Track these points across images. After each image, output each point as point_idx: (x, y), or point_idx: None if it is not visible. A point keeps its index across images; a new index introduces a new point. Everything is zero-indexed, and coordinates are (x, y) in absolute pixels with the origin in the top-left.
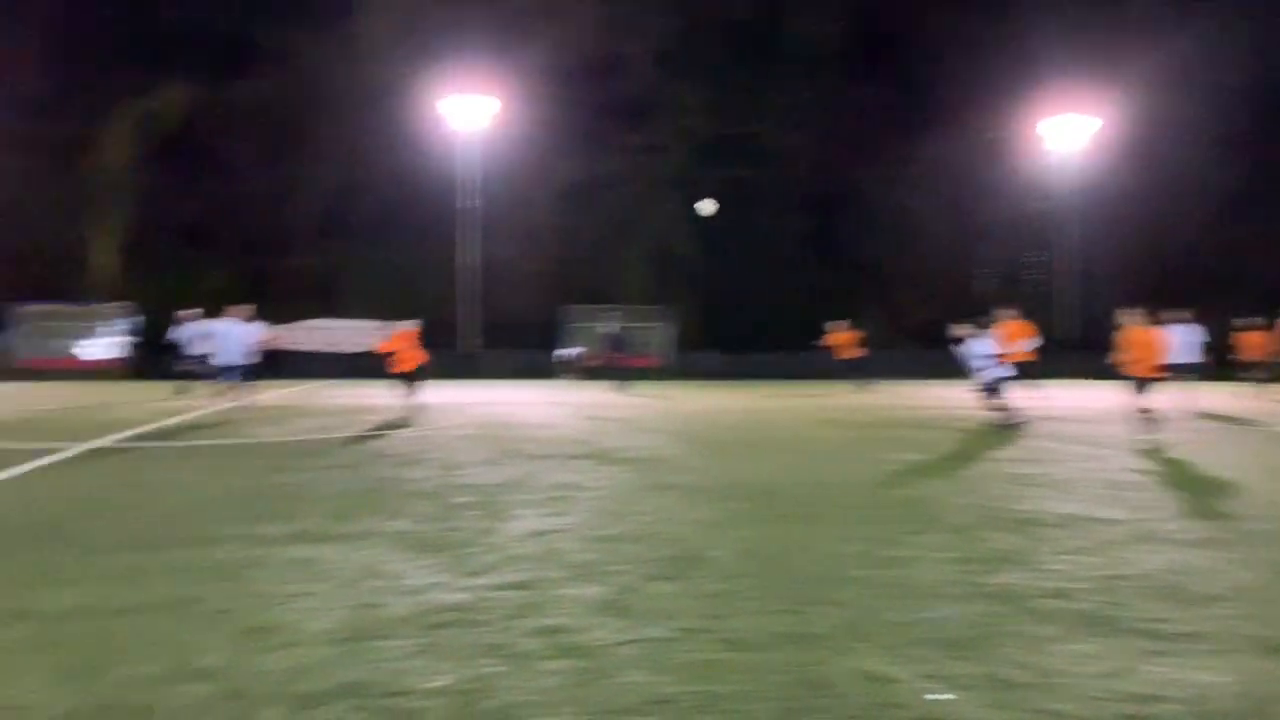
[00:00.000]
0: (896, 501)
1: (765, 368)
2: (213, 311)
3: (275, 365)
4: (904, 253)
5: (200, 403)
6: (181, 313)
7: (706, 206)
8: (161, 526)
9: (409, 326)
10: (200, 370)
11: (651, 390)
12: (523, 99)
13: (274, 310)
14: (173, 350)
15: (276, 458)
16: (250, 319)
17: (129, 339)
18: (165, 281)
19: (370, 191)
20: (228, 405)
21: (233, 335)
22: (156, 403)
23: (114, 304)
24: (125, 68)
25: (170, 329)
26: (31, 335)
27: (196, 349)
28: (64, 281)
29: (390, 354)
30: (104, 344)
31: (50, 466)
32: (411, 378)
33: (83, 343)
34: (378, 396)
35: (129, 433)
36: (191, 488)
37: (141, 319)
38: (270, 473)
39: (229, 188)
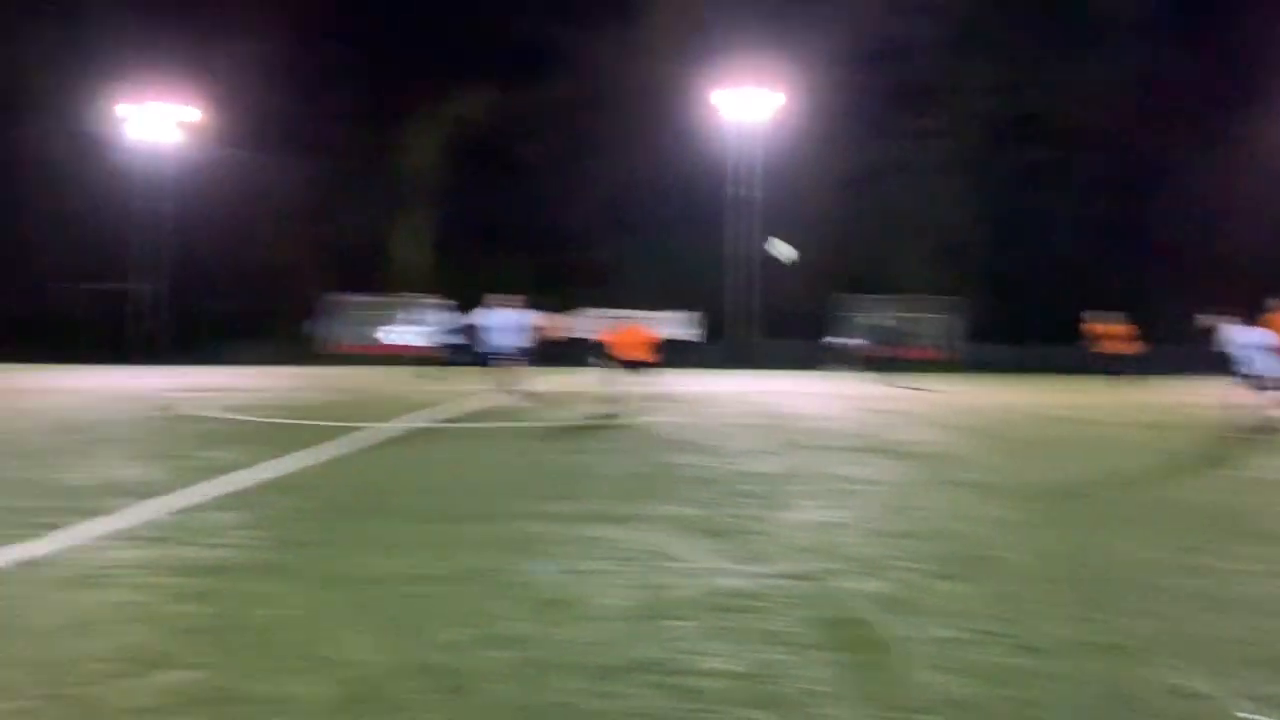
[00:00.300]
0: (1199, 506)
1: (1060, 360)
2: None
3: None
4: (1216, 239)
5: (487, 389)
6: (489, 297)
7: (783, 250)
8: (463, 502)
9: (639, 321)
10: (473, 358)
11: (935, 383)
12: (803, 87)
13: (566, 302)
14: (462, 336)
15: (562, 440)
16: (521, 307)
17: (435, 328)
18: (468, 274)
19: (649, 185)
20: (513, 391)
21: (505, 323)
22: (458, 387)
23: (421, 295)
24: (431, 76)
25: (451, 318)
26: (345, 323)
27: (468, 338)
28: (373, 275)
29: (615, 344)
30: (412, 332)
31: (362, 445)
32: (636, 366)
33: (391, 330)
34: (654, 385)
35: (432, 415)
36: (488, 467)
37: (446, 309)
38: (557, 455)
39: (525, 185)
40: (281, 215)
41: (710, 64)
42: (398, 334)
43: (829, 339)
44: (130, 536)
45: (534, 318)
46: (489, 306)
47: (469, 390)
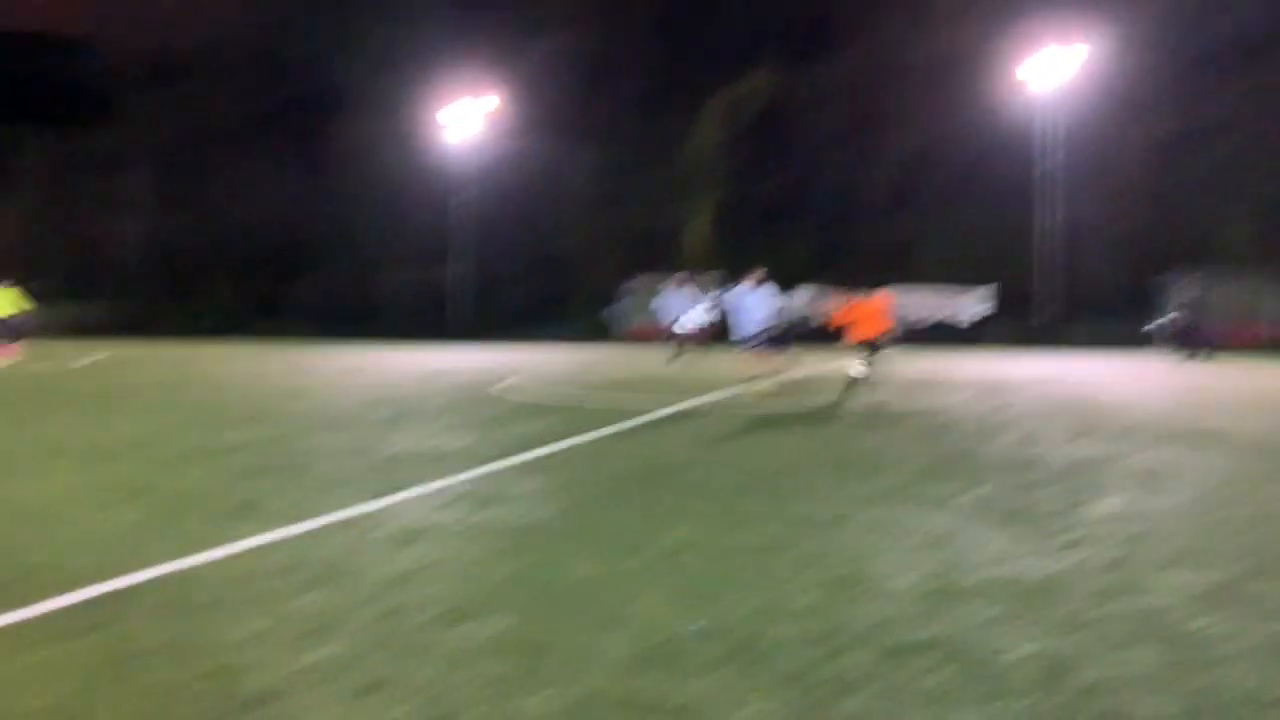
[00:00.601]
0: None
1: None
2: (787, 283)
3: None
4: None
5: (775, 369)
6: (676, 275)
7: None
8: (752, 478)
9: (874, 296)
10: (684, 337)
11: (1268, 365)
12: (1110, 49)
13: (850, 279)
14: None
15: (851, 423)
16: (761, 283)
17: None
18: (750, 255)
19: (943, 159)
20: (787, 372)
21: (755, 303)
22: (744, 368)
23: (708, 276)
24: (716, 61)
25: (704, 297)
26: (639, 306)
27: (686, 316)
28: (662, 258)
29: (848, 324)
30: (699, 314)
31: (655, 421)
32: (873, 347)
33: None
34: (948, 369)
35: (719, 394)
36: (776, 447)
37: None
38: (846, 437)
39: (808, 164)
40: (579, 201)
41: (1009, 27)
42: (685, 316)
43: (1153, 320)
44: (444, 499)
45: (806, 298)
46: (746, 285)
47: (759, 372)
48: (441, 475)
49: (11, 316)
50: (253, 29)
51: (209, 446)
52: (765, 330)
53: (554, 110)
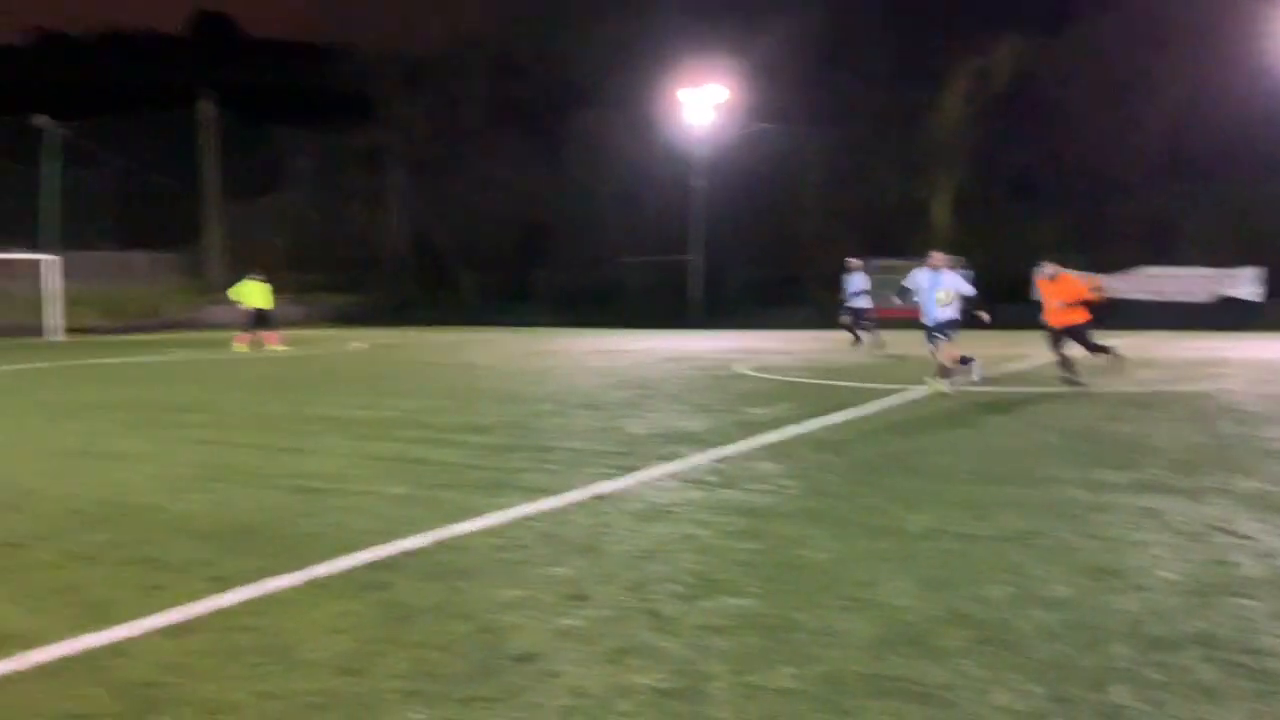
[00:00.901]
0: None
1: None
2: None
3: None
4: None
5: (1023, 352)
6: (851, 260)
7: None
8: (997, 464)
9: (1077, 275)
10: (856, 323)
11: None
12: None
13: (1102, 258)
14: (846, 301)
15: (1106, 407)
16: (942, 266)
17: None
18: (995, 234)
19: (1209, 128)
20: (950, 369)
21: (934, 285)
22: (986, 351)
23: (949, 257)
24: (958, 31)
25: (845, 279)
26: (883, 288)
27: (860, 302)
28: (905, 238)
29: (1055, 303)
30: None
31: (896, 405)
32: (1073, 333)
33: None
34: (1214, 351)
35: (961, 377)
36: (1023, 430)
37: (971, 273)
38: (1102, 421)
39: (1059, 136)
40: (813, 183)
41: None
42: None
43: None
44: (686, 479)
45: (959, 281)
46: (929, 269)
47: (999, 354)
48: (683, 455)
49: (261, 309)
50: (495, 30)
51: (465, 425)
52: (951, 320)
53: (789, 91)
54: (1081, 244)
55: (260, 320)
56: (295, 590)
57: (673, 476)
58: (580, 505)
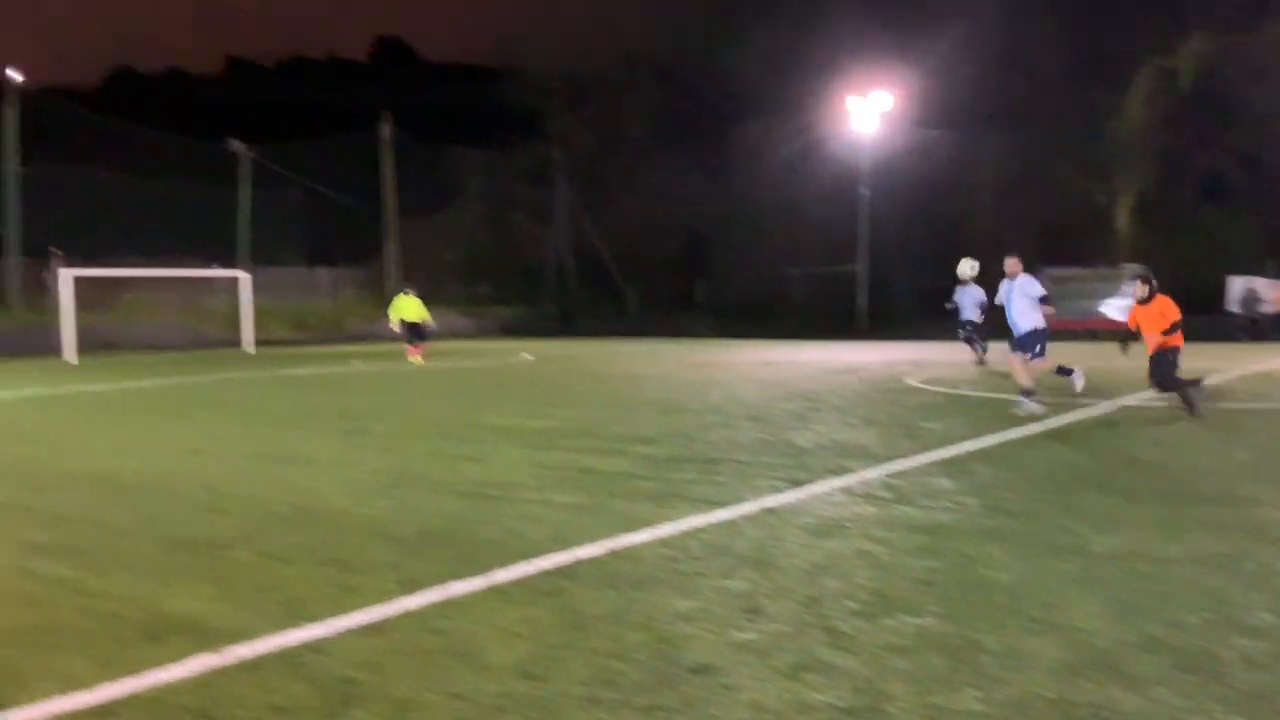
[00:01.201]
0: None
1: None
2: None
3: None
4: None
5: (1223, 367)
6: (965, 266)
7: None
8: (1190, 483)
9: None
10: (969, 336)
11: None
12: None
13: None
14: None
15: None
16: (1016, 274)
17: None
18: (1182, 240)
19: None
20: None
21: (1006, 296)
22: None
23: (1131, 265)
24: (1142, 29)
25: (958, 291)
26: (1060, 297)
27: (971, 314)
28: (1087, 245)
29: (1137, 329)
30: (1124, 305)
31: (1082, 421)
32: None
33: (1106, 303)
34: None
35: (1148, 392)
36: (1217, 448)
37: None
38: None
39: (1252, 137)
40: (986, 189)
41: None
42: (1109, 307)
43: None
44: (857, 493)
45: (1258, 287)
46: (1009, 275)
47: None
48: (855, 469)
49: (415, 322)
50: (656, 46)
51: (632, 435)
52: (1035, 332)
53: (959, 95)
54: (1277, 250)
55: (413, 331)
56: (477, 594)
57: (843, 491)
58: (750, 518)
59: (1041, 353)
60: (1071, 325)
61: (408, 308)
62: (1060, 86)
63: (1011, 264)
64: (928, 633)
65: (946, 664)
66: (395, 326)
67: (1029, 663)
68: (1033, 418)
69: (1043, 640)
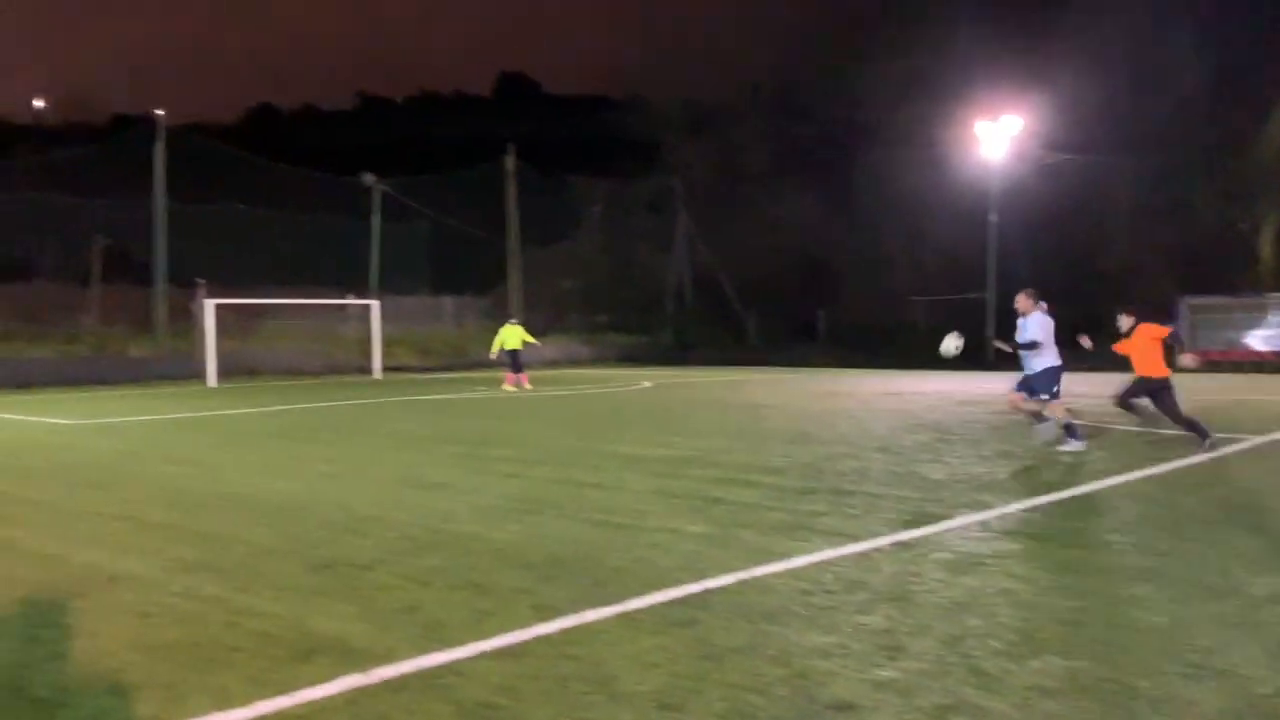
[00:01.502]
0: None
1: None
2: None
3: None
4: None
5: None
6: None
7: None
8: None
9: (1152, 323)
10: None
11: None
12: None
13: None
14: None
15: None
16: (1028, 311)
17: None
18: None
19: None
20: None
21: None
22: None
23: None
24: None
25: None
26: (1200, 327)
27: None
28: (1229, 273)
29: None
30: (1272, 335)
31: (1221, 456)
32: (1150, 389)
33: (1253, 334)
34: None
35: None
36: None
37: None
38: None
39: None
40: (1122, 215)
41: None
42: (1262, 338)
43: None
44: (994, 529)
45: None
46: (1021, 312)
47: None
48: (991, 504)
49: (517, 350)
50: (777, 76)
51: (758, 465)
52: (1042, 371)
53: (1092, 119)
54: None
55: (513, 359)
56: (610, 621)
57: (980, 525)
58: (884, 552)
59: (1056, 395)
60: (1213, 356)
61: (511, 336)
62: (1198, 110)
63: (1023, 300)
64: (1079, 676)
65: (1100, 709)
66: (494, 355)
67: (1187, 710)
68: (1074, 454)
69: (1202, 687)
